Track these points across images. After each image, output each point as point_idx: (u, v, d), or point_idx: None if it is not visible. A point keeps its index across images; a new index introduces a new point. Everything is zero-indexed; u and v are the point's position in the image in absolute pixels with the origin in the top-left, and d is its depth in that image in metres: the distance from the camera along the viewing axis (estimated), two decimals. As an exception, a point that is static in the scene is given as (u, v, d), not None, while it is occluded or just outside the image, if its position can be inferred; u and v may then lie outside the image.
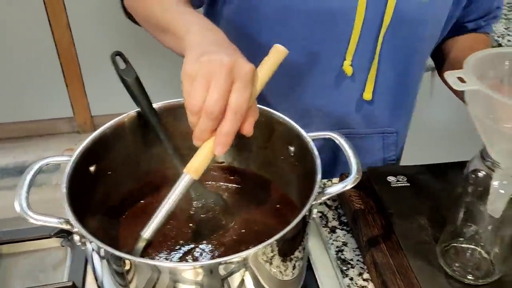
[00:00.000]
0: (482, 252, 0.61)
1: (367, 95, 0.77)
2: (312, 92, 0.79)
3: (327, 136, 0.58)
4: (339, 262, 0.65)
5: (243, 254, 0.45)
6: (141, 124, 0.61)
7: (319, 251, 0.67)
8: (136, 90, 0.58)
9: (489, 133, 0.50)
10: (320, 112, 0.79)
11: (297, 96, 0.79)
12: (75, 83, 2.24)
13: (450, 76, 0.49)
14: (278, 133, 0.60)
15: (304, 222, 0.52)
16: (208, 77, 0.47)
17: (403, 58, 0.76)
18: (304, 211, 0.48)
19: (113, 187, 0.60)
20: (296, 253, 0.53)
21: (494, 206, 0.54)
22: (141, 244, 0.52)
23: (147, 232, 0.52)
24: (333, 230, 0.70)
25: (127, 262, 0.45)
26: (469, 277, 0.59)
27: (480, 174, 0.54)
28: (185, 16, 0.60)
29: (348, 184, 0.52)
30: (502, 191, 0.53)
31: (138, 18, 0.71)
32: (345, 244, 0.68)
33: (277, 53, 0.52)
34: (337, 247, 0.68)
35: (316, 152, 0.54)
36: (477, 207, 0.56)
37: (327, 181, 0.77)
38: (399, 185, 0.71)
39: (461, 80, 0.49)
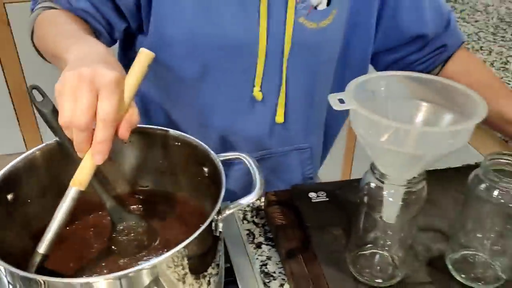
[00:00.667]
0: (388, 256, 0.66)
1: (279, 118, 0.84)
2: (227, 119, 0.84)
3: (235, 156, 0.63)
4: (262, 275, 0.70)
5: (138, 267, 0.48)
6: (59, 153, 0.64)
7: (244, 267, 0.71)
8: (54, 121, 0.60)
9: (371, 148, 0.56)
10: (238, 136, 0.85)
11: (215, 124, 0.85)
12: (26, 118, 2.24)
13: (332, 97, 0.55)
14: (194, 156, 0.65)
15: (213, 237, 0.56)
16: (73, 91, 0.50)
17: (308, 81, 0.83)
18: (205, 224, 0.52)
19: (33, 215, 0.63)
20: (210, 270, 0.57)
21: (387, 214, 0.60)
22: (36, 259, 0.54)
23: (41, 247, 0.54)
24: (258, 245, 0.75)
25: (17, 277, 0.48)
26: (377, 280, 0.65)
27: (372, 185, 0.60)
28: (69, 39, 0.64)
29: (251, 198, 0.56)
30: (391, 199, 0.59)
31: (44, 54, 0.76)
32: (269, 258, 0.73)
33: (143, 57, 0.55)
34: (262, 261, 0.72)
35: (222, 171, 0.59)
36: (374, 215, 0.62)
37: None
38: (319, 200, 0.77)
39: (341, 101, 0.55)
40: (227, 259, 0.72)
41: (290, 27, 0.76)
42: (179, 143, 0.65)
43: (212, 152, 0.62)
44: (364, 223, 0.63)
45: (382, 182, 0.59)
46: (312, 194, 0.78)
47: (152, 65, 0.81)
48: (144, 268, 0.49)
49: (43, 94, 0.60)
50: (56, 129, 0.61)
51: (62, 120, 0.51)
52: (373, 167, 0.59)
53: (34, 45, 0.79)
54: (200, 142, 0.64)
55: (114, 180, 0.70)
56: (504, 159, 0.59)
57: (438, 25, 0.87)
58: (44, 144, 0.63)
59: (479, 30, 1.56)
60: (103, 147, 0.51)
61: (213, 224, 0.55)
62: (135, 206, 0.71)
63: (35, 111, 2.30)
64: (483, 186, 0.59)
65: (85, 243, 0.66)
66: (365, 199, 0.61)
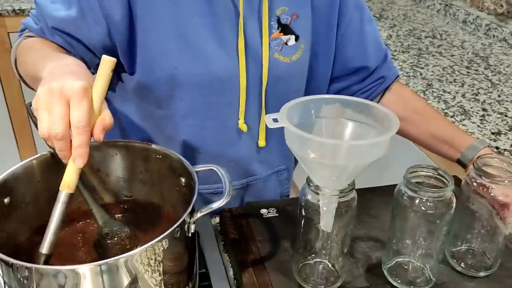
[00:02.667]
0: (329, 264, 0.72)
1: (261, 142, 0.91)
2: (215, 150, 0.91)
3: (209, 168, 0.69)
4: (235, 281, 0.76)
5: (117, 257, 0.54)
6: (53, 162, 0.70)
7: (219, 273, 0.77)
8: None
9: (304, 162, 0.63)
10: (226, 166, 0.90)
11: (203, 155, 0.91)
12: (25, 140, 2.30)
13: (268, 117, 0.62)
14: (173, 167, 0.71)
15: (186, 238, 0.62)
16: (46, 105, 0.55)
17: None
18: (177, 224, 0.58)
19: (28, 218, 0.68)
20: (184, 270, 0.64)
21: (324, 223, 0.67)
22: (41, 259, 0.60)
23: (44, 248, 0.60)
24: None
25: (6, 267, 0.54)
26: (320, 287, 0.70)
27: (309, 197, 0.66)
28: (44, 59, 0.69)
29: (220, 203, 0.62)
30: (325, 209, 0.65)
31: (25, 79, 0.82)
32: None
33: (105, 64, 0.60)
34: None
35: (196, 180, 0.65)
36: (314, 226, 0.68)
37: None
38: (270, 216, 0.83)
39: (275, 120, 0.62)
40: (204, 265, 0.77)
41: (266, 63, 0.85)
42: (160, 156, 0.72)
43: (188, 163, 0.68)
44: (306, 234, 0.69)
45: (317, 194, 0.65)
46: (263, 211, 0.84)
47: (140, 104, 0.87)
48: (120, 258, 0.54)
49: None
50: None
51: (41, 133, 0.56)
52: (308, 180, 0.66)
53: (18, 73, 0.85)
54: (179, 155, 0.70)
55: (101, 190, 0.77)
56: (423, 172, 0.67)
57: (378, 59, 0.97)
58: (39, 154, 0.70)
59: (454, 64, 1.67)
60: (81, 152, 0.56)
61: (186, 226, 0.61)
62: (120, 215, 0.77)
63: (33, 127, 2.36)
64: (406, 196, 0.66)
65: (74, 247, 0.72)
66: (304, 211, 0.68)
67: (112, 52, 0.82)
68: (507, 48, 1.82)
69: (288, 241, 0.78)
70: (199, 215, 0.62)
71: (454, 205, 0.66)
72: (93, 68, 0.86)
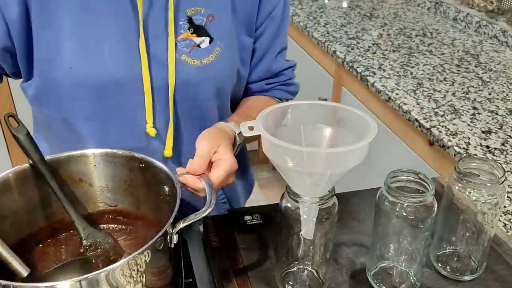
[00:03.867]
0: (312, 271, 0.71)
1: (167, 152, 0.85)
2: None
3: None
4: None
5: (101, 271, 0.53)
6: (31, 175, 0.70)
7: (207, 285, 0.77)
8: (28, 145, 0.67)
9: (282, 171, 0.62)
10: None
11: None
12: (17, 149, 2.29)
13: (243, 125, 0.61)
14: (156, 176, 0.70)
15: (169, 249, 0.61)
16: None
17: (197, 115, 0.86)
18: (159, 235, 0.57)
19: (8, 229, 0.68)
20: (168, 280, 0.63)
21: (305, 230, 0.66)
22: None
23: (21, 273, 0.61)
24: (198, 268, 0.80)
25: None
26: (303, 294, 0.69)
27: (289, 205, 0.65)
28: None
29: (202, 212, 0.61)
30: (305, 216, 0.64)
31: None
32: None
33: None
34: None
35: (179, 189, 0.64)
36: (295, 233, 0.67)
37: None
38: (254, 223, 0.82)
39: (251, 128, 0.61)
40: (192, 274, 0.77)
41: (172, 65, 0.79)
42: (143, 165, 0.71)
43: (171, 172, 0.68)
44: (288, 241, 0.68)
45: (297, 202, 0.64)
46: (247, 217, 0.83)
47: (42, 110, 0.83)
48: (101, 272, 0.53)
49: (18, 121, 0.68)
50: (28, 152, 0.68)
51: None
52: (288, 188, 0.65)
53: None
54: (161, 164, 0.70)
55: (84, 200, 0.76)
56: (404, 176, 0.66)
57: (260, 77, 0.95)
58: (17, 167, 0.69)
59: (444, 62, 1.66)
60: None
61: (168, 236, 0.60)
62: (105, 225, 0.76)
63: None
64: (387, 202, 0.65)
65: (57, 260, 0.71)
66: (284, 219, 0.67)
67: (11, 54, 0.79)
68: (498, 45, 1.82)
69: (272, 248, 0.77)
70: (181, 225, 0.61)
71: (436, 209, 0.65)
72: None
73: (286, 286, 0.70)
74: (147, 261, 0.57)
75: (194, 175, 0.69)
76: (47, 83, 0.79)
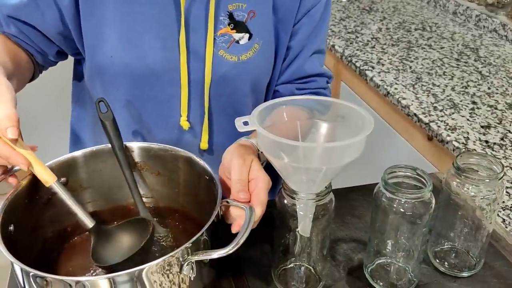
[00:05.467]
0: (309, 268, 0.71)
1: (203, 145, 0.87)
2: None
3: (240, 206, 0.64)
4: None
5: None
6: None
7: None
8: (112, 131, 0.70)
9: (278, 167, 0.61)
10: None
11: None
12: None
13: (238, 121, 0.60)
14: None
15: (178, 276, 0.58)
16: None
17: (232, 111, 0.86)
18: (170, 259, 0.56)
19: (31, 244, 0.68)
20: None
21: (302, 227, 0.65)
22: (93, 236, 0.66)
23: (86, 224, 0.64)
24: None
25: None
26: (300, 291, 0.69)
27: (285, 202, 0.65)
28: None
29: (224, 252, 0.58)
30: (302, 213, 0.64)
31: None
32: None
33: None
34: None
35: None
36: (292, 230, 0.66)
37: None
38: (250, 219, 0.81)
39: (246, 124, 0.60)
40: None
41: (209, 60, 0.80)
42: (208, 177, 0.69)
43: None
44: (284, 238, 0.68)
45: (293, 198, 0.63)
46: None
47: (92, 92, 0.85)
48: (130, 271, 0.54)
49: (107, 106, 0.70)
50: (112, 138, 0.70)
51: None
52: (284, 185, 0.64)
53: None
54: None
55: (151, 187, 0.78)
56: (402, 172, 0.65)
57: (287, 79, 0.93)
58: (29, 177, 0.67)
59: (443, 56, 1.65)
60: (15, 160, 0.59)
61: (180, 263, 0.57)
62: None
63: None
64: (385, 198, 0.64)
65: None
66: (281, 215, 0.66)
67: (67, 38, 0.82)
68: (498, 39, 1.80)
69: (268, 244, 0.76)
70: (195, 258, 0.58)
71: (434, 205, 0.64)
72: (52, 56, 0.85)
73: (283, 283, 0.70)
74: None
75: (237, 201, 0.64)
76: (93, 68, 0.82)
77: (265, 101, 0.90)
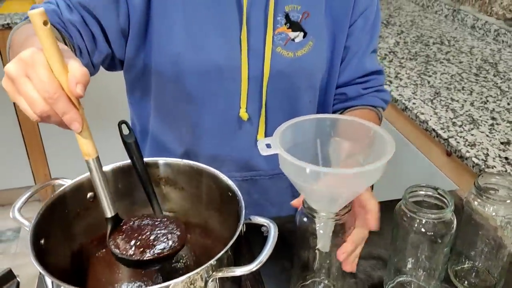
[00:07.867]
0: (328, 285, 0.71)
1: (260, 136, 0.91)
2: (216, 139, 0.91)
3: (264, 223, 0.66)
4: None
5: None
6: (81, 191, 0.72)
7: None
8: (135, 152, 0.71)
9: (300, 187, 0.62)
10: (227, 156, 0.92)
11: (204, 144, 0.92)
12: (36, 152, 2.32)
13: (260, 143, 0.61)
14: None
15: None
16: (24, 74, 0.52)
17: (289, 105, 0.91)
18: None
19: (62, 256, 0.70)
20: None
21: (321, 244, 0.66)
22: (109, 225, 0.63)
23: (106, 212, 0.63)
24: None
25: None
26: (320, 308, 0.69)
27: (305, 220, 0.65)
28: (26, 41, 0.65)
29: (248, 269, 0.59)
30: (321, 231, 0.64)
31: None
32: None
33: (35, 19, 0.52)
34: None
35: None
36: (311, 247, 0.67)
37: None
38: (270, 234, 0.82)
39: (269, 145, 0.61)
40: None
41: (268, 56, 0.86)
42: (231, 194, 0.70)
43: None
44: (304, 255, 0.68)
45: (313, 216, 0.64)
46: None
47: (142, 89, 0.90)
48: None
49: (129, 128, 0.72)
50: (133, 159, 0.71)
51: (37, 104, 0.51)
52: (305, 203, 0.65)
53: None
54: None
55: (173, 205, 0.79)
56: (423, 191, 0.65)
57: (350, 76, 0.96)
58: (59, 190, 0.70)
59: (462, 71, 1.65)
60: (70, 117, 0.54)
61: (208, 282, 0.58)
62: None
63: (44, 145, 2.35)
64: (406, 217, 0.65)
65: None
66: (301, 233, 0.67)
67: (124, 37, 0.85)
68: (517, 53, 1.79)
69: (288, 260, 0.77)
70: (218, 275, 0.58)
71: (455, 225, 0.64)
72: (96, 55, 0.85)
73: (303, 300, 0.70)
74: None
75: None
76: (155, 65, 0.86)
77: (327, 102, 0.97)
